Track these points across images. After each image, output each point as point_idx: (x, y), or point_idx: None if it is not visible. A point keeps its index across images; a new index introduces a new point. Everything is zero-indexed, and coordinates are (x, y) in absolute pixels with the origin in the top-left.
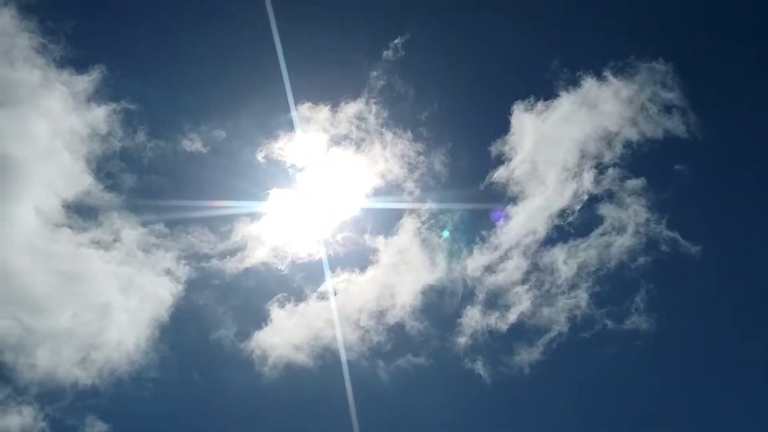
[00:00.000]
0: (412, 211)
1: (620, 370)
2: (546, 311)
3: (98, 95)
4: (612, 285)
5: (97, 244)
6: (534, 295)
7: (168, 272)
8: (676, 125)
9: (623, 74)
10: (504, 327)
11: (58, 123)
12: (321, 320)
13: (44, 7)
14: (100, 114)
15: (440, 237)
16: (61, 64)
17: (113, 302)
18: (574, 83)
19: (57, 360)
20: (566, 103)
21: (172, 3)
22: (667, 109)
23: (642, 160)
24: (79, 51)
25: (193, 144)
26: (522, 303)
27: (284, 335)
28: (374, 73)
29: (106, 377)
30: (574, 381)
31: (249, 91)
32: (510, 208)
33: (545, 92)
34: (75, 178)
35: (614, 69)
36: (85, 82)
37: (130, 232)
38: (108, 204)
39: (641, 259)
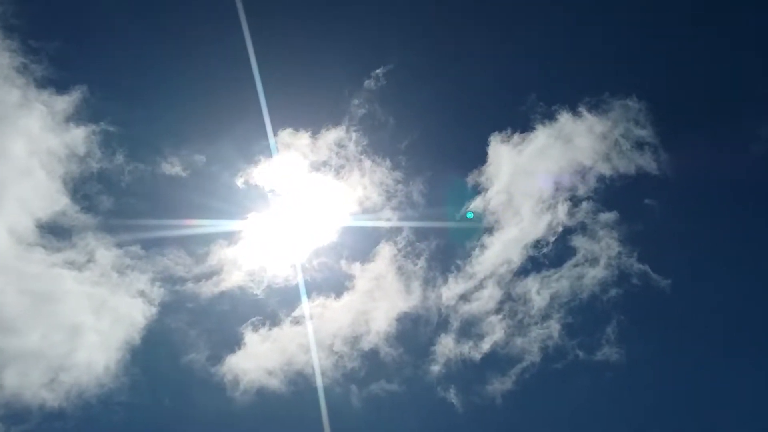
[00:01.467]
0: (389, 239)
1: (591, 401)
2: (519, 341)
3: (78, 116)
4: (584, 316)
5: (70, 264)
6: (507, 324)
7: (142, 294)
8: (647, 162)
9: (597, 110)
10: (477, 356)
11: (36, 143)
12: (295, 345)
13: (28, 26)
14: (78, 135)
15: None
16: (42, 84)
17: (84, 323)
18: (549, 117)
19: (24, 381)
20: (542, 136)
21: (155, 29)
22: (639, 145)
23: (614, 194)
24: (61, 72)
25: (172, 167)
26: (495, 332)
27: (258, 359)
28: (355, 102)
29: (74, 400)
30: (545, 411)
31: (230, 116)
32: (485, 239)
33: (522, 125)
34: (50, 199)
35: (589, 105)
36: (65, 102)
37: (105, 253)
38: (83, 225)
39: (612, 291)
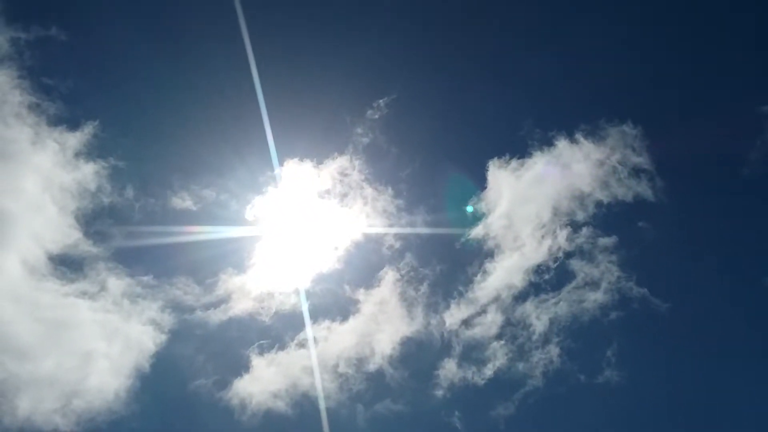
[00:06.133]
0: (392, 264)
1: (593, 424)
2: (521, 366)
3: (89, 152)
4: (585, 340)
5: (83, 293)
6: (509, 349)
7: (152, 322)
8: (644, 188)
9: (594, 137)
10: (480, 381)
11: (49, 179)
12: (301, 369)
13: (42, 65)
14: (89, 170)
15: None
16: (54, 121)
17: (97, 350)
18: (547, 143)
19: (38, 406)
20: (540, 162)
21: (164, 67)
22: (636, 172)
23: (613, 219)
24: (73, 109)
25: (183, 202)
26: (498, 357)
27: (265, 384)
28: (359, 131)
29: (85, 425)
30: None
31: (237, 148)
32: (487, 264)
33: (520, 150)
34: (63, 233)
35: (585, 132)
36: (76, 139)
37: (117, 282)
38: (95, 256)
39: (613, 315)
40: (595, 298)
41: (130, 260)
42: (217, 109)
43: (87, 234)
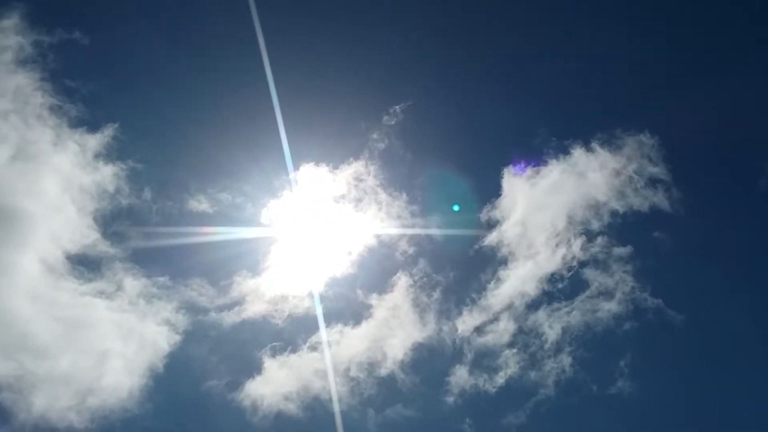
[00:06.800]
0: (405, 270)
1: None
2: (533, 374)
3: (108, 154)
4: (598, 350)
5: (100, 293)
6: (522, 357)
7: (167, 322)
8: (661, 199)
9: (610, 146)
10: (491, 389)
11: (68, 180)
12: (312, 372)
13: (64, 68)
14: (108, 172)
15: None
16: (74, 123)
17: (112, 349)
18: (563, 151)
19: (53, 403)
20: (556, 170)
21: (182, 71)
22: (653, 182)
23: (628, 229)
24: (93, 111)
25: (200, 204)
26: (510, 365)
27: (276, 386)
28: (374, 136)
29: (99, 422)
30: None
31: (253, 152)
32: (500, 271)
33: (535, 159)
34: (81, 233)
35: (601, 140)
36: (96, 141)
37: (133, 283)
38: (112, 257)
39: (627, 325)
40: (609, 308)
41: (146, 261)
42: (234, 114)
43: (105, 234)
